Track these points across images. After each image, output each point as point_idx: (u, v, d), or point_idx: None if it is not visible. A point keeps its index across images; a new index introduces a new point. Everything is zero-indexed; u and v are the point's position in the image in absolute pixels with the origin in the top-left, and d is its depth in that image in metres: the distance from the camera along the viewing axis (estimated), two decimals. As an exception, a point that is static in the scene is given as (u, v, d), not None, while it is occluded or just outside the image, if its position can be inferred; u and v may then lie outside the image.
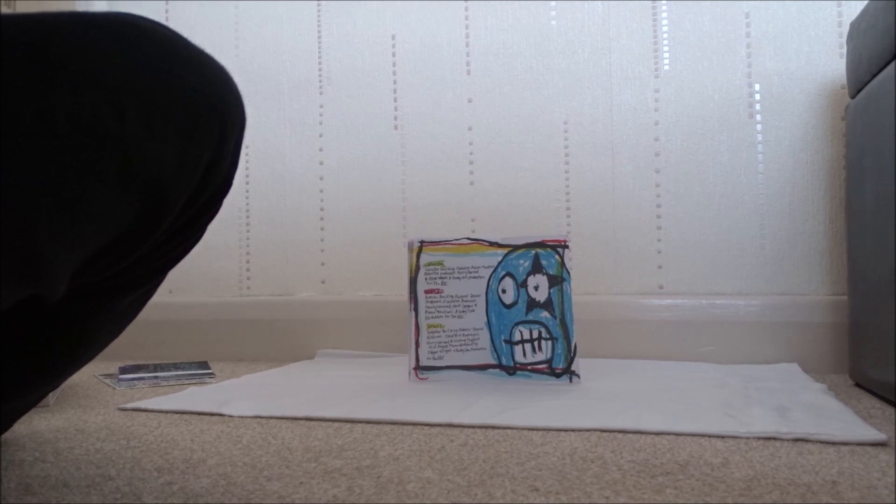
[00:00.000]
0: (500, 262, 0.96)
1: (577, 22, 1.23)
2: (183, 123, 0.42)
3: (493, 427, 0.68)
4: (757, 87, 1.15)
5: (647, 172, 1.19)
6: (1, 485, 0.51)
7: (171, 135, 0.41)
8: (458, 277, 0.95)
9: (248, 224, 1.37)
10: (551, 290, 0.93)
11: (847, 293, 0.98)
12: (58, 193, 0.37)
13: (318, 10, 1.35)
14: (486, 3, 1.27)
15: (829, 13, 1.12)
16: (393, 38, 1.31)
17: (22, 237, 0.37)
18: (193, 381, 1.01)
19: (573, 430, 0.66)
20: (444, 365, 0.94)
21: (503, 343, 0.95)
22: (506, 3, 1.26)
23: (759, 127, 1.15)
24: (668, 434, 0.64)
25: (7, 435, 0.67)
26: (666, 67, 1.19)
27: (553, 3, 1.24)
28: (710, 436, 0.63)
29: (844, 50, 1.00)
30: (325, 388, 0.91)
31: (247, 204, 1.37)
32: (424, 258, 0.95)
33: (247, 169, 1.37)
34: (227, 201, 0.51)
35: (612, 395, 0.81)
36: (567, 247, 0.93)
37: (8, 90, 0.35)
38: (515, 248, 0.95)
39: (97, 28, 0.39)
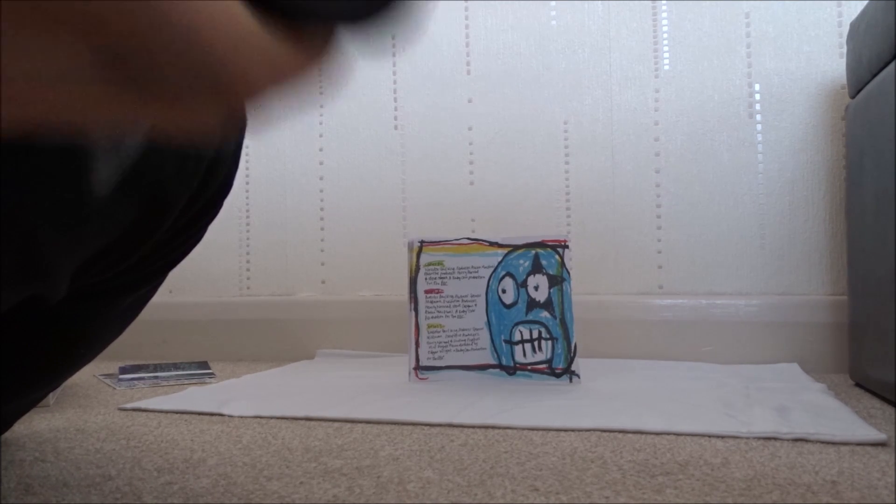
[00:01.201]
0: (500, 262, 0.96)
1: (577, 22, 1.23)
2: None
3: (493, 427, 0.68)
4: (757, 87, 1.15)
5: (647, 172, 1.19)
6: (1, 485, 0.51)
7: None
8: (458, 277, 0.95)
9: (248, 224, 1.37)
10: (551, 290, 0.93)
11: (847, 293, 0.98)
12: (58, 195, 0.37)
13: (318, 10, 1.34)
14: (486, 3, 1.27)
15: (829, 13, 1.12)
16: (393, 37, 1.31)
17: (23, 238, 0.37)
18: (193, 381, 1.01)
19: (573, 430, 0.66)
20: (444, 365, 0.94)
21: (503, 343, 0.95)
22: (506, 3, 1.26)
23: (759, 127, 1.15)
24: (668, 434, 0.64)
25: (7, 435, 0.67)
26: (666, 67, 1.19)
27: (553, 3, 1.24)
28: (710, 436, 0.63)
29: (844, 50, 1.00)
30: (325, 388, 0.91)
31: (247, 204, 1.37)
32: (424, 258, 0.95)
33: (247, 169, 1.37)
34: (227, 201, 0.51)
35: (612, 395, 0.81)
36: (567, 247, 0.93)
37: None
38: (515, 248, 0.95)
39: None
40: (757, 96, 1.15)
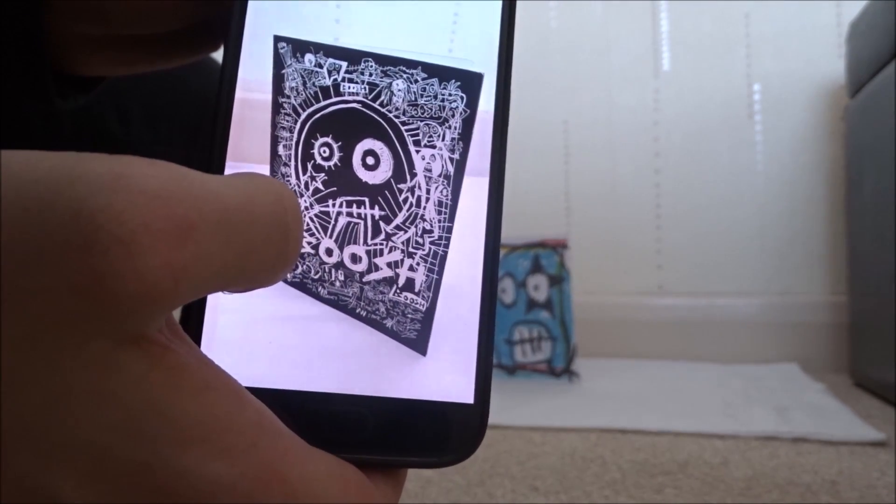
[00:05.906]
0: (499, 262, 0.96)
1: (577, 22, 1.23)
2: (187, 126, 0.42)
3: (494, 427, 0.68)
4: (757, 87, 1.15)
5: (647, 172, 1.19)
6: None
7: (176, 138, 0.41)
8: (458, 277, 0.95)
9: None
10: (551, 290, 0.93)
11: (847, 293, 0.98)
12: None
13: (319, 11, 1.35)
14: (486, 3, 1.27)
15: (829, 13, 1.12)
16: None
17: None
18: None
19: (573, 430, 0.66)
20: (444, 365, 0.94)
21: (503, 343, 0.95)
22: (506, 3, 1.26)
23: (758, 127, 1.15)
24: (668, 434, 0.64)
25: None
26: (666, 67, 1.19)
27: (553, 3, 1.24)
28: (710, 435, 0.63)
29: (844, 50, 1.00)
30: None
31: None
32: (424, 258, 0.95)
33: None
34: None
35: (612, 395, 0.81)
36: (567, 247, 0.93)
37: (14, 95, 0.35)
38: (515, 248, 0.95)
39: None
40: (757, 96, 1.15)
